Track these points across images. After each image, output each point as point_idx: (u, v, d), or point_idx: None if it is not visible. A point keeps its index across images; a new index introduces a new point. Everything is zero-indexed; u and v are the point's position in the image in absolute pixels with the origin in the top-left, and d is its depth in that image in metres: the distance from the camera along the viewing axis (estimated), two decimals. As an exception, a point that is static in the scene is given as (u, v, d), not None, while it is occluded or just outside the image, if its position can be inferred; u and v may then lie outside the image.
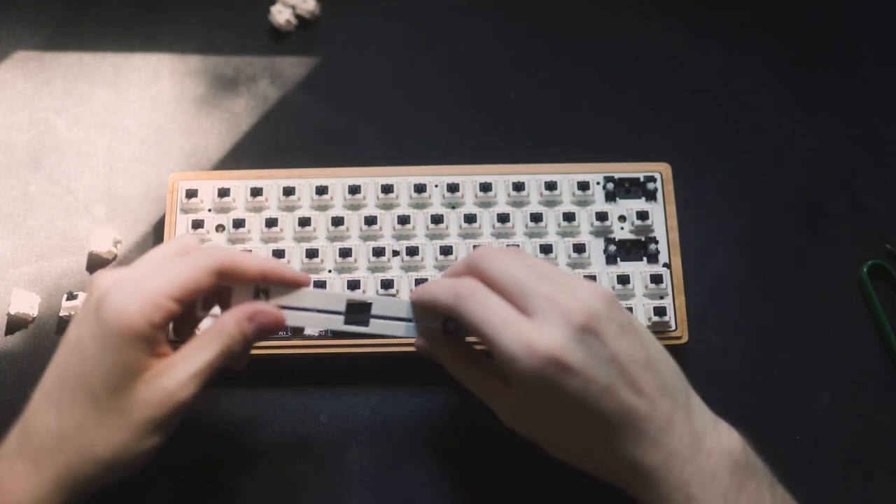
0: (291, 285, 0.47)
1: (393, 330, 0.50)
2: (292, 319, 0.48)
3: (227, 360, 0.45)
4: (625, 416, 0.43)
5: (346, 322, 0.49)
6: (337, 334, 0.55)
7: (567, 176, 0.59)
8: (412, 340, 0.52)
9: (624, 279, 0.56)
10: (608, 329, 0.43)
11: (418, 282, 0.56)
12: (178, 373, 0.43)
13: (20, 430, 0.44)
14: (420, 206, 0.58)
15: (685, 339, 0.56)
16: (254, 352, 0.55)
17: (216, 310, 0.49)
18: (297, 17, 0.67)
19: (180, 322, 0.50)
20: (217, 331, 0.44)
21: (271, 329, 0.46)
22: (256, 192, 0.58)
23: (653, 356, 0.44)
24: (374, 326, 0.50)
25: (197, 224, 0.57)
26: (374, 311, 0.50)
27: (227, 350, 0.44)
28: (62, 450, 0.42)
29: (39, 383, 0.44)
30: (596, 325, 0.43)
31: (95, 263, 0.60)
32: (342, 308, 0.49)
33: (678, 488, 0.42)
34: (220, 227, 0.58)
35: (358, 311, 0.50)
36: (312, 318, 0.49)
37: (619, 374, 0.43)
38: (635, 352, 0.43)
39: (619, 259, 0.57)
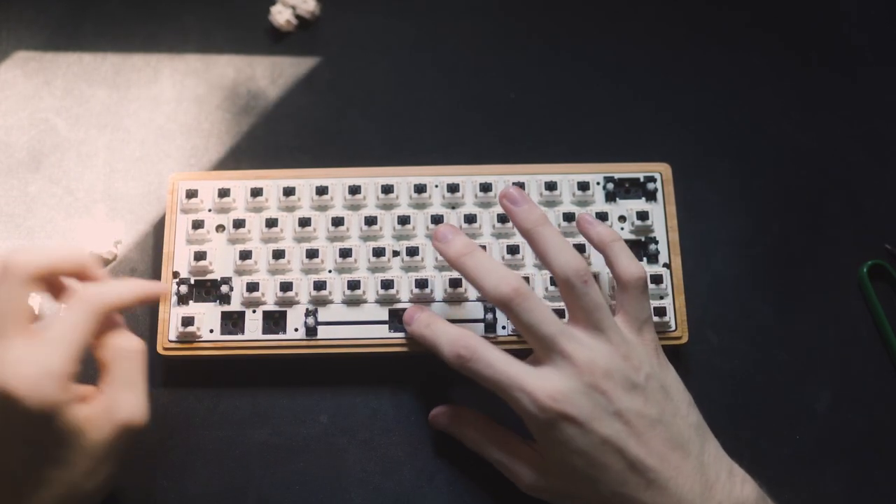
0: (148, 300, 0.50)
1: None
2: (332, 332, 0.55)
3: (145, 359, 0.48)
4: (632, 466, 0.45)
5: (391, 329, 0.55)
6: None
7: (567, 176, 0.59)
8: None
9: (624, 279, 0.56)
10: (616, 388, 0.46)
11: (419, 282, 0.56)
12: (124, 403, 0.46)
13: None
14: (420, 206, 0.58)
15: (685, 339, 0.56)
16: (254, 352, 0.55)
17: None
18: (297, 17, 0.67)
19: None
20: (120, 347, 0.47)
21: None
22: (256, 192, 0.58)
23: (666, 411, 0.47)
24: None
25: (197, 224, 0.57)
26: None
27: (141, 354, 0.48)
28: None
29: None
30: (602, 385, 0.46)
31: (95, 263, 0.60)
32: (385, 317, 0.55)
33: None
34: (220, 228, 0.58)
35: (400, 317, 0.55)
36: (353, 329, 0.55)
37: (625, 428, 0.46)
38: (646, 409, 0.46)
39: (619, 259, 0.57)
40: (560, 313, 0.55)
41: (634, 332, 0.50)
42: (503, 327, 0.55)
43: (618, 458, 0.45)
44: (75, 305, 0.45)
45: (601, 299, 0.48)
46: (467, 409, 0.53)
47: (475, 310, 0.56)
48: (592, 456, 0.45)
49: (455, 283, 0.56)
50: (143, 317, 0.58)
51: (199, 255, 0.56)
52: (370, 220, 0.57)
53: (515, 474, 0.50)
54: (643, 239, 0.58)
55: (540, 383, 0.46)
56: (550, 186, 0.58)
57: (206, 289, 0.57)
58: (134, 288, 0.49)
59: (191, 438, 0.55)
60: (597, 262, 0.57)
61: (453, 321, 0.55)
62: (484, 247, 0.57)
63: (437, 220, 0.57)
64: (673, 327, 0.56)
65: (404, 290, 0.56)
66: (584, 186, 0.58)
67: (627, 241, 0.58)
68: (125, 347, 0.47)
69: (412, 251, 0.57)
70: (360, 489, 0.54)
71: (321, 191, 0.58)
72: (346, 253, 0.57)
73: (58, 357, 0.43)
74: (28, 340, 0.43)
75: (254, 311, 0.56)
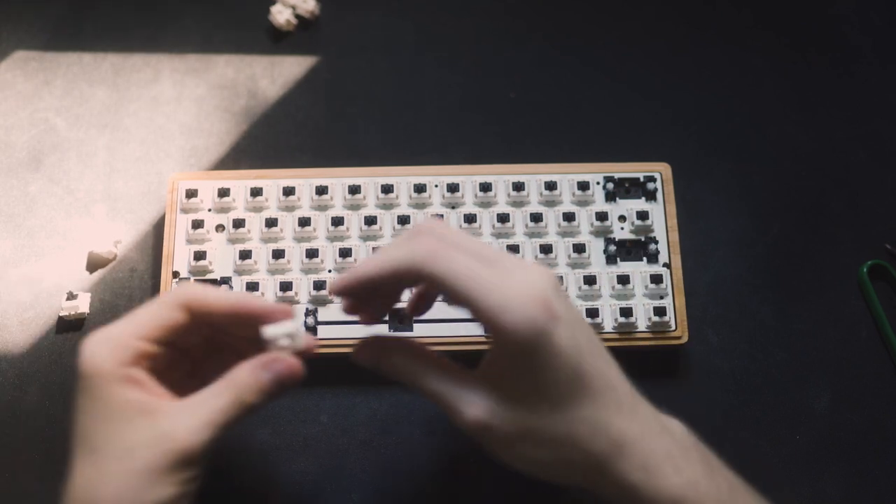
0: (267, 320, 0.43)
1: (435, 331, 0.55)
2: (331, 332, 0.54)
3: (241, 411, 0.42)
4: (605, 381, 0.41)
5: (391, 329, 0.55)
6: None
7: (567, 176, 0.59)
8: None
9: (624, 279, 0.56)
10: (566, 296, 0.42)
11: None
12: (181, 418, 0.41)
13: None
14: (420, 206, 0.58)
15: (685, 339, 0.56)
16: (254, 352, 0.55)
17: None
18: (297, 17, 0.67)
19: (179, 373, 0.46)
20: (230, 379, 0.42)
21: (288, 379, 0.43)
22: (256, 192, 0.58)
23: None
24: (417, 330, 0.55)
25: (197, 224, 0.57)
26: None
27: (240, 401, 0.42)
28: None
29: None
30: (561, 288, 0.41)
31: (95, 263, 0.60)
32: (384, 317, 0.54)
33: (663, 458, 0.41)
34: (219, 227, 0.58)
35: (400, 317, 0.55)
36: (353, 329, 0.55)
37: (591, 337, 0.41)
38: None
39: (619, 259, 0.57)
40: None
41: None
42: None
43: (593, 371, 0.40)
44: (162, 295, 0.44)
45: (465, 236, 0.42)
46: (393, 336, 0.46)
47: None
48: (571, 365, 0.40)
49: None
50: (143, 317, 0.58)
51: (199, 255, 0.56)
52: (370, 220, 0.57)
53: (459, 407, 0.42)
54: (643, 239, 0.58)
55: (520, 282, 0.39)
56: (550, 186, 0.58)
57: (205, 289, 0.57)
58: (238, 300, 0.43)
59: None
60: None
61: (450, 321, 0.55)
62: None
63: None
64: (673, 327, 0.56)
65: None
66: (584, 186, 0.58)
67: (627, 241, 0.58)
68: (235, 380, 0.42)
69: (412, 251, 0.57)
70: (360, 489, 0.54)
71: (321, 190, 0.58)
72: (345, 253, 0.57)
73: (121, 326, 0.42)
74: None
75: (254, 311, 0.56)
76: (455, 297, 0.40)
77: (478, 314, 0.39)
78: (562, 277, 0.56)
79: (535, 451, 0.41)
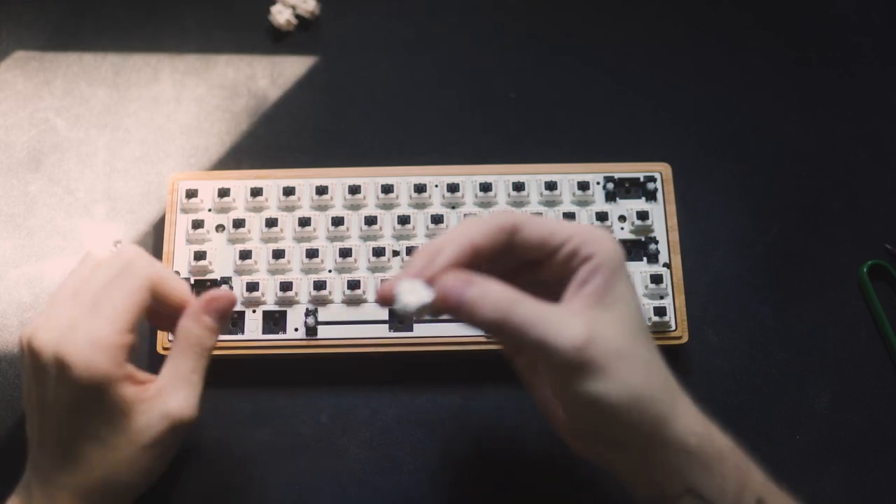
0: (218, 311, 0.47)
1: (436, 331, 0.55)
2: (332, 332, 0.54)
3: (208, 359, 0.46)
4: (665, 385, 0.43)
5: (391, 328, 0.55)
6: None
7: (567, 176, 0.59)
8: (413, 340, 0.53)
9: (624, 279, 0.56)
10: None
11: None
12: (176, 393, 0.45)
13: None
14: (420, 206, 0.58)
15: (685, 339, 0.56)
16: (254, 352, 0.55)
17: None
18: (297, 17, 0.67)
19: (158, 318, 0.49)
20: (184, 339, 0.46)
21: (228, 309, 0.47)
22: (256, 192, 0.58)
23: None
24: (418, 330, 0.55)
25: (197, 224, 0.57)
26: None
27: (203, 350, 0.46)
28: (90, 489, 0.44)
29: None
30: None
31: (95, 263, 0.60)
32: (385, 317, 0.55)
33: (710, 422, 0.44)
34: (220, 227, 0.58)
35: (400, 318, 0.55)
36: (353, 329, 0.55)
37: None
38: None
39: (619, 259, 0.57)
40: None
41: None
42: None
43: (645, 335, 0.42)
44: (124, 275, 0.44)
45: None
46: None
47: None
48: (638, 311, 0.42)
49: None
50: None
51: (199, 255, 0.56)
52: (370, 220, 0.57)
53: (559, 329, 0.39)
54: (643, 239, 0.58)
55: (600, 231, 0.42)
56: (550, 186, 0.58)
57: (205, 289, 0.56)
58: (185, 287, 0.47)
59: (191, 438, 0.55)
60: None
61: (452, 321, 0.55)
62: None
63: (437, 219, 0.57)
64: (673, 327, 0.56)
65: (404, 289, 0.56)
66: (584, 186, 0.58)
67: (627, 241, 0.58)
68: (190, 337, 0.46)
69: (412, 251, 0.57)
70: (360, 489, 0.54)
71: (321, 191, 0.58)
72: (346, 253, 0.57)
73: (100, 324, 0.42)
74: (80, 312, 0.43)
75: (254, 311, 0.56)
76: (550, 243, 0.41)
77: (571, 251, 0.41)
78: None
79: (617, 384, 0.40)
